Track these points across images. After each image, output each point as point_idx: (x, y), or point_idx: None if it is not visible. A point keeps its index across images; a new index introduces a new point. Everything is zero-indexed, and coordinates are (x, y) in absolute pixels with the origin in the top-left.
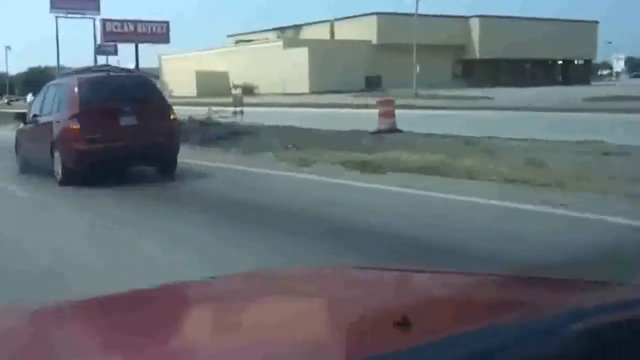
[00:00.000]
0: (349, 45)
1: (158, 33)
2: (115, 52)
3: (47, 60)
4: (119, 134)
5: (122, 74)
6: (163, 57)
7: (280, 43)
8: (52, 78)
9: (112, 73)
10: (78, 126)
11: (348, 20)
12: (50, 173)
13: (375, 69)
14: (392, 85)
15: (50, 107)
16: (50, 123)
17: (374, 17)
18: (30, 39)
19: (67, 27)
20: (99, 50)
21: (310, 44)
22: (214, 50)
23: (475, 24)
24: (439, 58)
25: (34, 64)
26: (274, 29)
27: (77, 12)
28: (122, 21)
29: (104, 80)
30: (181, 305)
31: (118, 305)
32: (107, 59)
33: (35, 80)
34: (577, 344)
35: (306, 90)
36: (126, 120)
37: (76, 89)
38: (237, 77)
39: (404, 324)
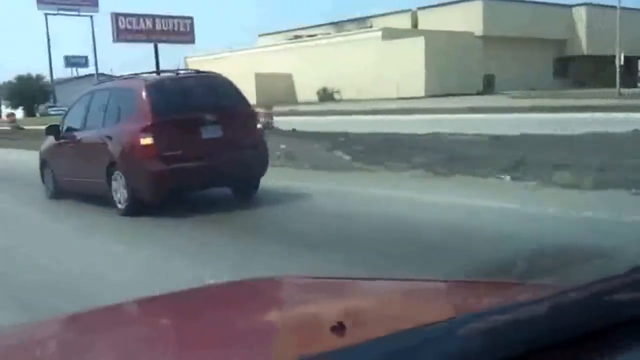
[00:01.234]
0: (458, 38)
1: (180, 31)
2: (86, 64)
3: (35, 67)
4: (202, 150)
5: (193, 74)
6: (189, 59)
7: (378, 34)
8: (43, 88)
9: (181, 73)
10: (152, 141)
11: (438, 8)
12: (101, 199)
13: (484, 66)
14: (504, 85)
15: (102, 118)
16: (105, 138)
17: (479, 3)
18: (16, 43)
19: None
20: (68, 62)
21: (423, 33)
22: (262, 49)
23: (580, 15)
24: (537, 53)
25: (22, 72)
26: (330, 24)
27: (70, 8)
28: (137, 16)
29: (177, 83)
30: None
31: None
32: (76, 71)
33: (24, 91)
34: (478, 343)
35: (420, 93)
36: (210, 132)
37: (145, 94)
38: (305, 79)
39: (339, 328)
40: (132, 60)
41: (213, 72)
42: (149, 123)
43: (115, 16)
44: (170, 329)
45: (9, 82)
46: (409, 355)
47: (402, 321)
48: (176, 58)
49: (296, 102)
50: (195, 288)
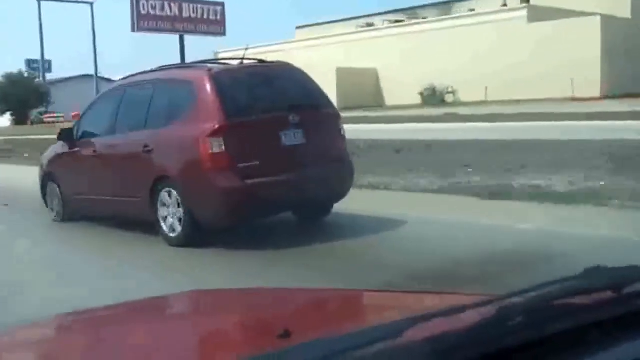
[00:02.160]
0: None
1: (210, 19)
2: (49, 69)
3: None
4: (283, 161)
5: (263, 64)
6: (221, 53)
7: (521, 14)
8: (39, 89)
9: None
10: (223, 148)
11: None
12: (128, 223)
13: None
14: None
15: (142, 120)
16: (148, 145)
17: None
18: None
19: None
20: (29, 66)
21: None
22: (322, 40)
23: None
24: None
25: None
26: (390, 12)
27: None
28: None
29: (247, 75)
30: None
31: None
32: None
33: (15, 92)
34: (421, 349)
35: (593, 93)
36: (291, 138)
37: (211, 87)
38: (397, 76)
39: (285, 335)
40: (135, 58)
41: (283, 62)
42: (219, 125)
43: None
44: (125, 339)
45: None
46: (352, 355)
47: (346, 329)
48: (202, 53)
49: (382, 106)
50: (138, 300)
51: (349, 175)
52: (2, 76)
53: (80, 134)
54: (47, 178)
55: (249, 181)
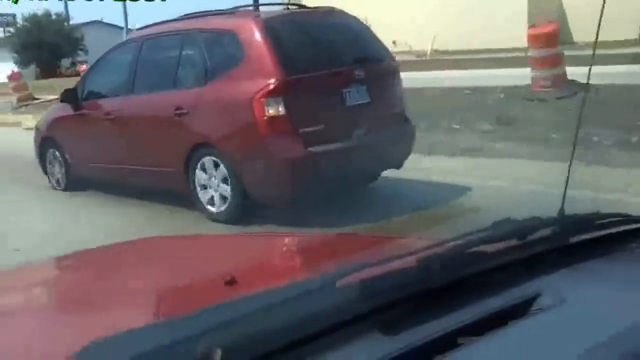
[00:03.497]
0: None
1: None
2: (14, 23)
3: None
4: (348, 123)
5: (315, 10)
6: None
7: None
8: (71, 34)
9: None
10: (283, 110)
11: None
12: (177, 199)
13: None
14: None
15: (170, 77)
16: (182, 107)
17: None
18: None
19: None
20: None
21: None
22: None
23: None
24: None
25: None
26: None
27: None
28: None
29: (301, 22)
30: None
31: None
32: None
33: (40, 39)
34: (351, 293)
35: None
36: (355, 97)
37: (262, 38)
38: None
39: (231, 282)
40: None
41: (333, 8)
42: (276, 82)
43: None
44: (70, 290)
45: (22, 26)
46: (285, 308)
47: (287, 274)
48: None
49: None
50: (89, 250)
51: (412, 137)
52: (25, 19)
53: (85, 94)
54: (46, 143)
55: (313, 148)
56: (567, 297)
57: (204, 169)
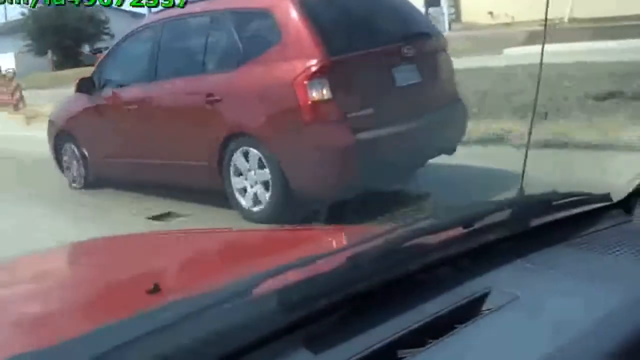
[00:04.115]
0: None
1: None
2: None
3: None
4: (399, 106)
5: None
6: None
7: None
8: (94, 17)
9: None
10: (329, 94)
11: None
12: (208, 194)
13: None
14: None
15: (197, 61)
16: (212, 93)
17: None
18: None
19: None
20: None
21: None
22: None
23: None
24: None
25: None
26: None
27: None
28: None
29: None
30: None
31: None
32: None
33: (58, 22)
34: (269, 304)
35: None
36: (405, 77)
37: (300, 15)
38: None
39: (155, 290)
40: None
41: None
42: (320, 64)
43: None
44: None
45: (39, 7)
46: (193, 324)
47: (216, 275)
48: None
49: None
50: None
51: (465, 118)
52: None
53: (103, 82)
54: (62, 137)
55: (362, 135)
56: (521, 293)
57: (239, 161)
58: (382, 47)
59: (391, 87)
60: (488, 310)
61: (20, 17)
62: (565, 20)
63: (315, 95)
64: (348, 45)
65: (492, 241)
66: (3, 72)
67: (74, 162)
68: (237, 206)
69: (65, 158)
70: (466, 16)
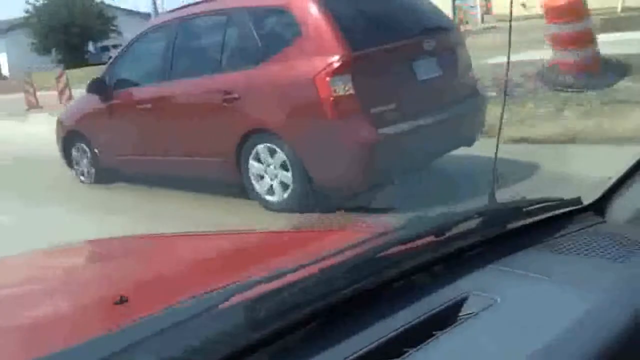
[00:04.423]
0: None
1: None
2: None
3: None
4: (420, 100)
5: None
6: None
7: None
8: (102, 13)
9: None
10: (351, 88)
11: None
12: (230, 189)
13: None
14: None
15: (215, 59)
16: (231, 94)
17: None
18: None
19: None
20: None
21: None
22: None
23: None
24: None
25: None
26: None
27: None
28: None
29: None
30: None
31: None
32: None
33: (65, 20)
34: (236, 320)
35: None
36: (425, 70)
37: (319, 9)
38: None
39: (122, 301)
40: None
41: None
42: (343, 59)
43: None
44: None
45: (45, 3)
46: (159, 342)
47: (182, 288)
48: None
49: None
50: None
51: (484, 110)
52: None
53: (114, 82)
54: (71, 137)
55: (385, 129)
56: (498, 298)
57: (259, 157)
58: (402, 40)
59: (412, 81)
60: (466, 315)
61: (4, 18)
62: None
63: (337, 90)
64: (368, 39)
65: (466, 247)
66: (25, 71)
67: (84, 160)
68: (256, 198)
69: (74, 157)
70: (498, 8)
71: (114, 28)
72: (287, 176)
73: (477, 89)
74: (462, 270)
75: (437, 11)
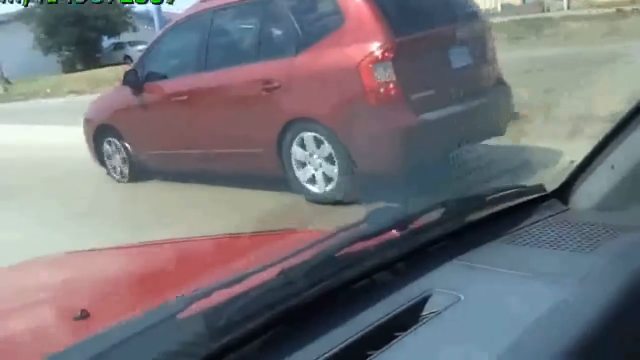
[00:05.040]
0: None
1: None
2: None
3: None
4: (455, 88)
5: None
6: None
7: None
8: (118, 8)
9: None
10: (393, 75)
11: None
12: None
13: None
14: None
15: (252, 49)
16: (271, 83)
17: None
18: None
19: None
20: None
21: None
22: None
23: None
24: None
25: None
26: None
27: None
28: None
29: None
30: None
31: None
32: None
33: (76, 14)
34: (197, 328)
35: None
36: (459, 59)
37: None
38: None
39: (83, 317)
40: None
41: None
42: (385, 46)
43: None
44: None
45: None
46: (118, 354)
47: (144, 298)
48: None
49: None
50: None
51: (511, 100)
52: None
53: (147, 74)
54: (102, 132)
55: (426, 116)
56: (463, 294)
57: (302, 146)
58: (438, 28)
59: (448, 69)
60: (430, 314)
61: None
62: None
63: (380, 77)
64: (407, 26)
65: (428, 242)
66: None
67: (117, 157)
68: (298, 189)
69: (106, 153)
70: None
71: (129, 20)
72: (332, 170)
73: (502, 79)
74: (425, 266)
75: (467, 0)
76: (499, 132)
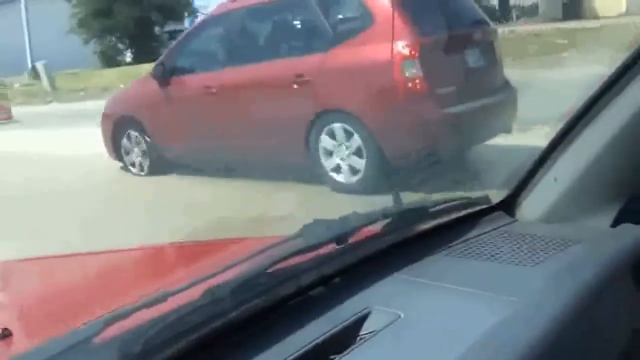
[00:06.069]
0: None
1: None
2: None
3: None
4: (471, 85)
5: None
6: None
7: None
8: None
9: None
10: (420, 71)
11: None
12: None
13: None
14: None
15: (280, 45)
16: (302, 76)
17: None
18: None
19: None
20: None
21: None
22: None
23: None
24: None
25: None
26: None
27: None
28: None
29: None
30: None
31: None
32: None
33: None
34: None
35: None
36: (473, 59)
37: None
38: None
39: (5, 335)
40: None
41: None
42: (412, 44)
43: None
44: None
45: None
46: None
47: (68, 316)
48: None
49: None
50: None
51: (516, 101)
52: None
53: (176, 67)
54: (122, 125)
55: (450, 110)
56: (403, 312)
57: (331, 135)
58: (456, 31)
59: (465, 68)
60: (368, 334)
61: None
62: None
63: (408, 73)
64: (432, 27)
65: (368, 256)
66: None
67: (135, 150)
68: (326, 179)
69: (124, 147)
70: None
71: (190, 9)
72: (360, 162)
73: (508, 81)
74: (365, 282)
75: (476, 6)
76: (508, 130)
